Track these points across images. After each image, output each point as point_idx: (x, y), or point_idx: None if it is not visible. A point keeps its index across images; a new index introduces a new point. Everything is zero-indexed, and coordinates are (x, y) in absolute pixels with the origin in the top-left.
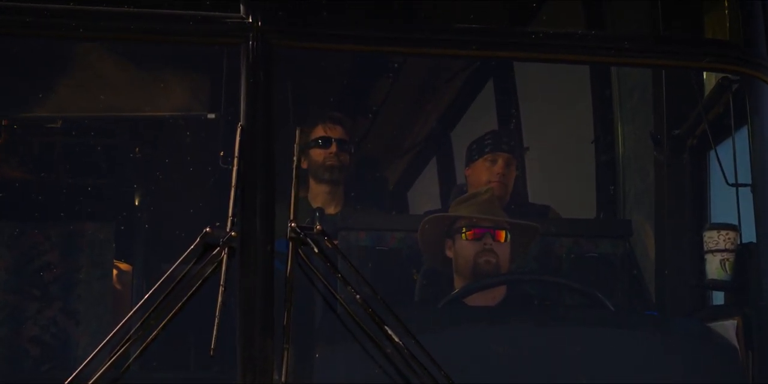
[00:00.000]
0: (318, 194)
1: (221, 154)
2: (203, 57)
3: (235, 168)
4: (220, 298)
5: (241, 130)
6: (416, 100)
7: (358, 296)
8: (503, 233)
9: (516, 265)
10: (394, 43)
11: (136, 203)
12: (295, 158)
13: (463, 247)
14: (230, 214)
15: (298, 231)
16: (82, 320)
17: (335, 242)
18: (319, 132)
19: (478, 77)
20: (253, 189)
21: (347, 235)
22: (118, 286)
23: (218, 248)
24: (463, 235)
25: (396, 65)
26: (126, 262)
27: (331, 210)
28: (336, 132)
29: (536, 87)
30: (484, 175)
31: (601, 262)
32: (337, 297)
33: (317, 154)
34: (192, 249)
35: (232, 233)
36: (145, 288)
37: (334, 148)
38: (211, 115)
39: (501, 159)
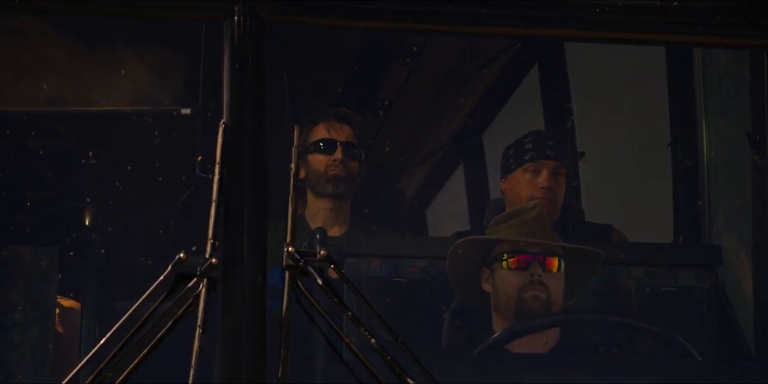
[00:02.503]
0: (318, 211)
1: (198, 159)
2: (175, 36)
3: (216, 177)
4: (196, 344)
5: (224, 129)
6: (440, 92)
7: (373, 341)
8: (556, 261)
9: (572, 301)
10: (412, 19)
11: (87, 222)
12: (292, 165)
13: (505, 278)
14: (210, 236)
15: (297, 257)
16: (15, 374)
17: (342, 272)
18: (320, 133)
19: (520, 63)
20: (239, 204)
21: (356, 263)
22: (62, 330)
23: (195, 280)
24: (505, 263)
25: (415, 48)
26: (73, 298)
27: (334, 231)
28: (342, 133)
29: (594, 75)
30: (524, 189)
31: (683, 298)
32: (347, 342)
33: (318, 160)
34: (160, 281)
35: (213, 260)
36: (98, 333)
37: (339, 153)
38: (186, 111)
39: (546, 168)
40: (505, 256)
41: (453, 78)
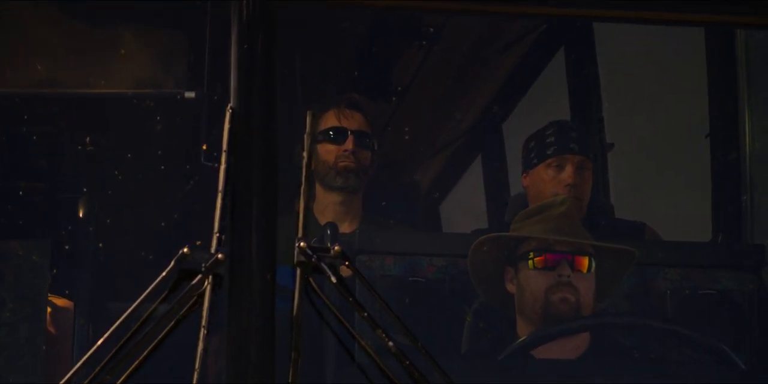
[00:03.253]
0: (328, 206)
1: (204, 147)
2: (179, 15)
3: (222, 166)
4: (200, 346)
5: (231, 115)
6: (457, 78)
7: (390, 344)
8: (586, 260)
9: (603, 304)
10: None
11: (82, 214)
12: (305, 154)
13: (531, 278)
14: (216, 229)
15: (309, 253)
16: (3, 377)
17: (357, 269)
18: (330, 121)
19: (545, 46)
20: (247, 195)
21: (369, 261)
22: (53, 330)
23: (199, 277)
24: (531, 262)
25: (431, 30)
26: (66, 296)
27: (345, 227)
28: (353, 121)
29: (626, 60)
30: (548, 185)
31: (723, 301)
32: (363, 344)
33: (327, 151)
34: (162, 278)
35: (219, 256)
36: (93, 333)
37: (350, 143)
38: (190, 94)
39: (570, 163)
40: (531, 254)
41: (471, 62)
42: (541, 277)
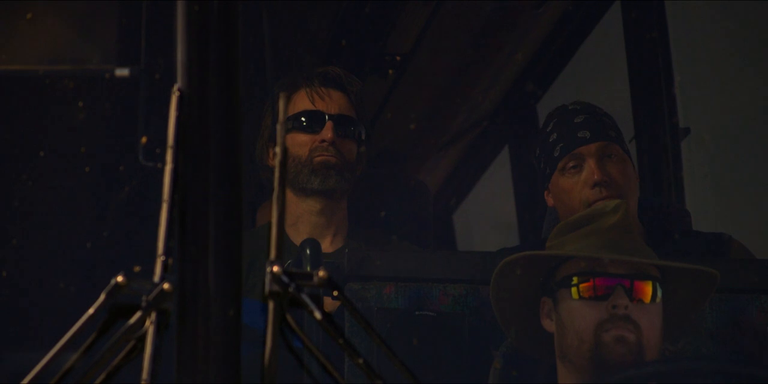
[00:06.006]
0: (302, 216)
1: (143, 141)
2: None
3: (168, 167)
4: None
5: (179, 99)
6: (476, 43)
7: None
8: (649, 287)
9: (677, 345)
10: None
11: None
12: (278, 149)
13: (576, 312)
14: (160, 250)
15: (285, 280)
16: None
17: (351, 301)
18: (301, 103)
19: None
20: (202, 205)
21: (362, 290)
22: None
23: (138, 314)
24: (575, 289)
25: None
26: None
27: (326, 245)
28: (331, 102)
29: (704, 20)
30: (572, 196)
31: None
32: None
33: (299, 142)
34: (87, 317)
35: (164, 286)
36: None
37: (328, 131)
38: (122, 72)
39: (588, 156)
40: (576, 279)
41: (495, 21)
42: (588, 310)
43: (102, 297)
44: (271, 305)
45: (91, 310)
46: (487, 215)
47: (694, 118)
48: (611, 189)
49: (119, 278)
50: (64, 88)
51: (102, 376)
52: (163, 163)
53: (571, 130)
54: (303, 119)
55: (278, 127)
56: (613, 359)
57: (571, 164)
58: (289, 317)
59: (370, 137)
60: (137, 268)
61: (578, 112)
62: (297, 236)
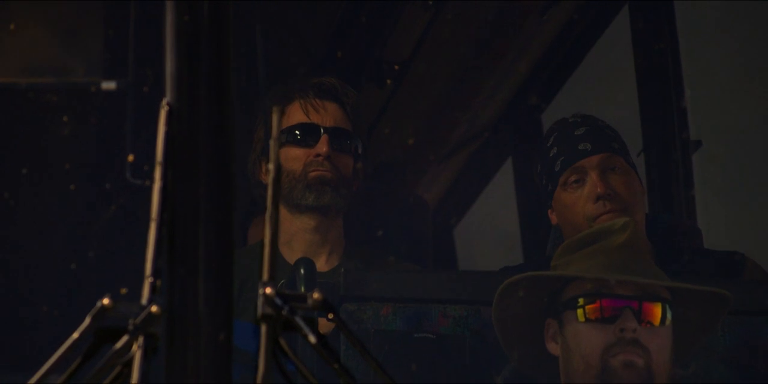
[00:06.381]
0: (296, 234)
1: (129, 158)
2: None
3: (156, 184)
4: None
5: (168, 113)
6: (478, 50)
7: None
8: (658, 309)
9: (688, 370)
10: None
11: None
12: (271, 166)
13: (582, 335)
14: (148, 272)
15: (279, 303)
16: None
17: (346, 324)
18: (295, 115)
19: (601, 4)
20: (192, 224)
21: (359, 311)
22: None
23: (125, 338)
24: (581, 311)
25: None
26: None
27: (321, 263)
28: (327, 114)
29: (715, 25)
30: (575, 212)
31: None
32: None
33: (293, 157)
34: (72, 342)
35: (152, 309)
36: None
37: (323, 145)
38: (109, 85)
39: (590, 169)
40: (582, 301)
41: (498, 28)
42: (595, 333)
43: (87, 320)
44: (263, 329)
45: (75, 334)
46: (489, 231)
47: (705, 131)
48: (615, 203)
49: (105, 301)
50: (47, 101)
51: None
52: (152, 180)
53: (572, 142)
54: (297, 132)
55: (271, 142)
56: None
57: (572, 178)
58: (282, 341)
59: (368, 151)
60: (124, 290)
61: (578, 124)
62: (291, 254)
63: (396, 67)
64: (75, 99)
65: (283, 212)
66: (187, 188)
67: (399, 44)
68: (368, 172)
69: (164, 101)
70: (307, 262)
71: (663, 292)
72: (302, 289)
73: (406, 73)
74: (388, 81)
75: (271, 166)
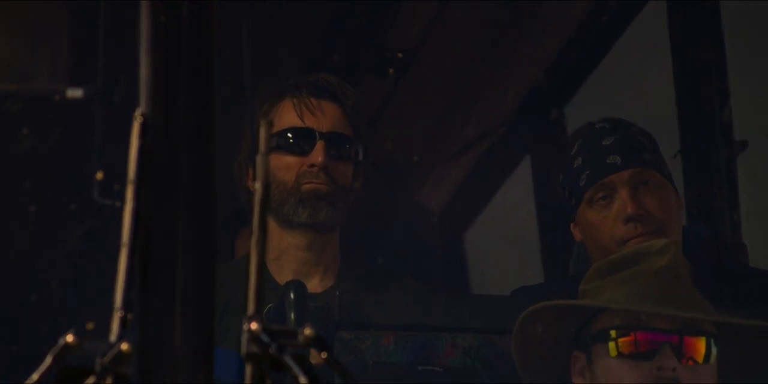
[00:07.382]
0: (286, 252)
1: (98, 176)
2: None
3: (129, 204)
4: None
5: (142, 125)
6: (491, 36)
7: None
8: (702, 344)
9: None
10: None
11: None
12: (258, 184)
13: (614, 371)
14: (118, 303)
15: (266, 340)
16: None
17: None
18: (287, 117)
19: None
20: (167, 250)
21: (356, 341)
22: None
23: (92, 380)
24: (613, 345)
25: None
26: None
27: (314, 284)
28: (323, 117)
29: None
30: (602, 232)
31: None
32: None
33: (284, 165)
34: (34, 381)
35: (122, 347)
36: None
37: (319, 153)
38: (75, 93)
39: (620, 186)
40: (614, 333)
41: (515, 11)
42: (629, 370)
43: (48, 360)
44: (248, 368)
45: (35, 376)
46: (503, 239)
47: (752, 130)
48: (648, 225)
49: (69, 337)
50: (5, 111)
51: None
52: (123, 201)
53: (599, 154)
54: (290, 136)
55: (258, 158)
56: None
57: (599, 195)
58: (269, 383)
59: (369, 156)
60: (90, 325)
61: (607, 131)
62: (281, 273)
63: (399, 54)
64: (37, 108)
65: (273, 227)
66: (163, 209)
67: (403, 30)
68: (369, 179)
69: (138, 111)
70: (298, 286)
71: (707, 324)
72: (292, 316)
73: (411, 61)
74: (391, 70)
75: (258, 185)
